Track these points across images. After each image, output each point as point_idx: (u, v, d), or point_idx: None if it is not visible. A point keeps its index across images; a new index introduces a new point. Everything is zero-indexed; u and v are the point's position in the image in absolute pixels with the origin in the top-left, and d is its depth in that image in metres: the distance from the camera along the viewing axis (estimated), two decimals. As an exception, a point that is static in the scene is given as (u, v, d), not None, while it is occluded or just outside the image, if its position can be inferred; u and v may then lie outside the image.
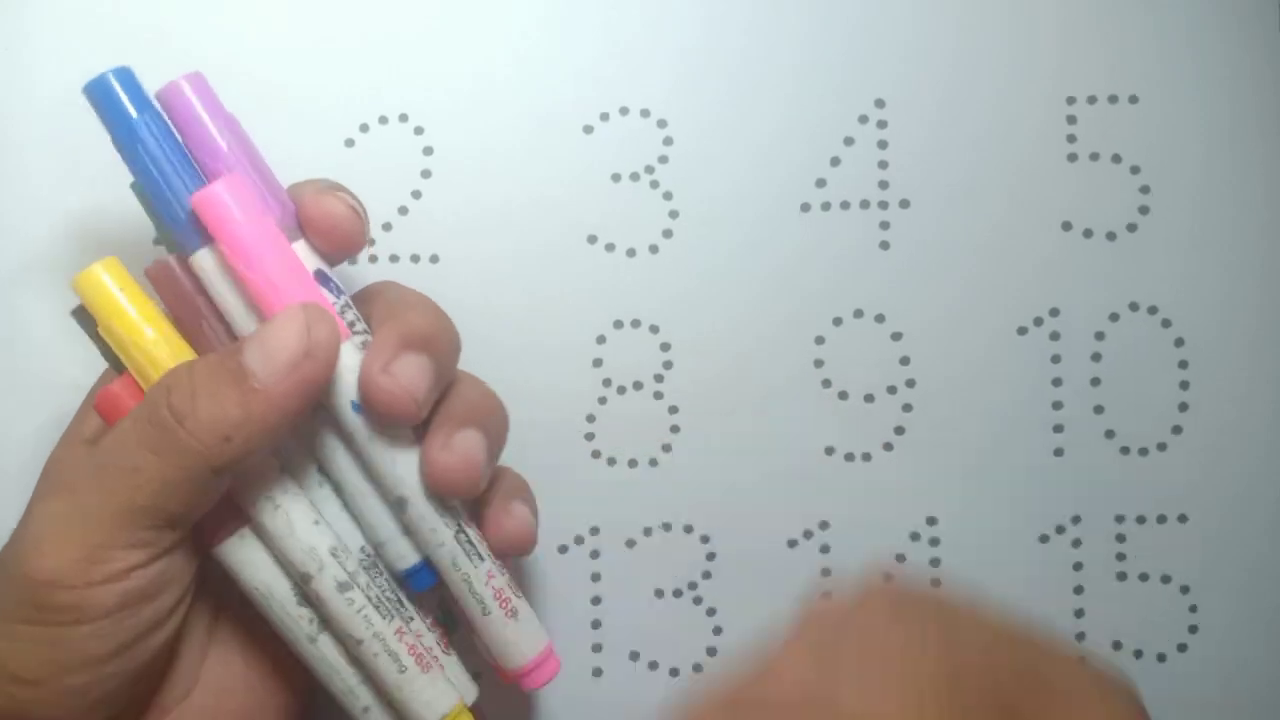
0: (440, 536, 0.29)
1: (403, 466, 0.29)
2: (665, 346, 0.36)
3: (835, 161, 0.36)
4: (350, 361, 0.28)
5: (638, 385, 0.36)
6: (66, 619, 0.26)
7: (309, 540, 0.28)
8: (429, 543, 0.29)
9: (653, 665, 0.36)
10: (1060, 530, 0.36)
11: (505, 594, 0.30)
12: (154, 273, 0.29)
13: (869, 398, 0.36)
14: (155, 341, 0.28)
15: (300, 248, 0.29)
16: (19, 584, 0.26)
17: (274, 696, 0.31)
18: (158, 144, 0.28)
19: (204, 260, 0.28)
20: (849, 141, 0.36)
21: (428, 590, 0.30)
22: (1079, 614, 0.36)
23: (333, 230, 0.29)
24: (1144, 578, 0.36)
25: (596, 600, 0.36)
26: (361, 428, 0.29)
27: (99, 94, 0.28)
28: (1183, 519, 0.36)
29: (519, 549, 0.31)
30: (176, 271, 0.29)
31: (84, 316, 0.29)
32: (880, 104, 0.36)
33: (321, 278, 0.29)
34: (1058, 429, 0.36)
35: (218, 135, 0.28)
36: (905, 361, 0.36)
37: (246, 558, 0.29)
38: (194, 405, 0.26)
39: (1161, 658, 0.36)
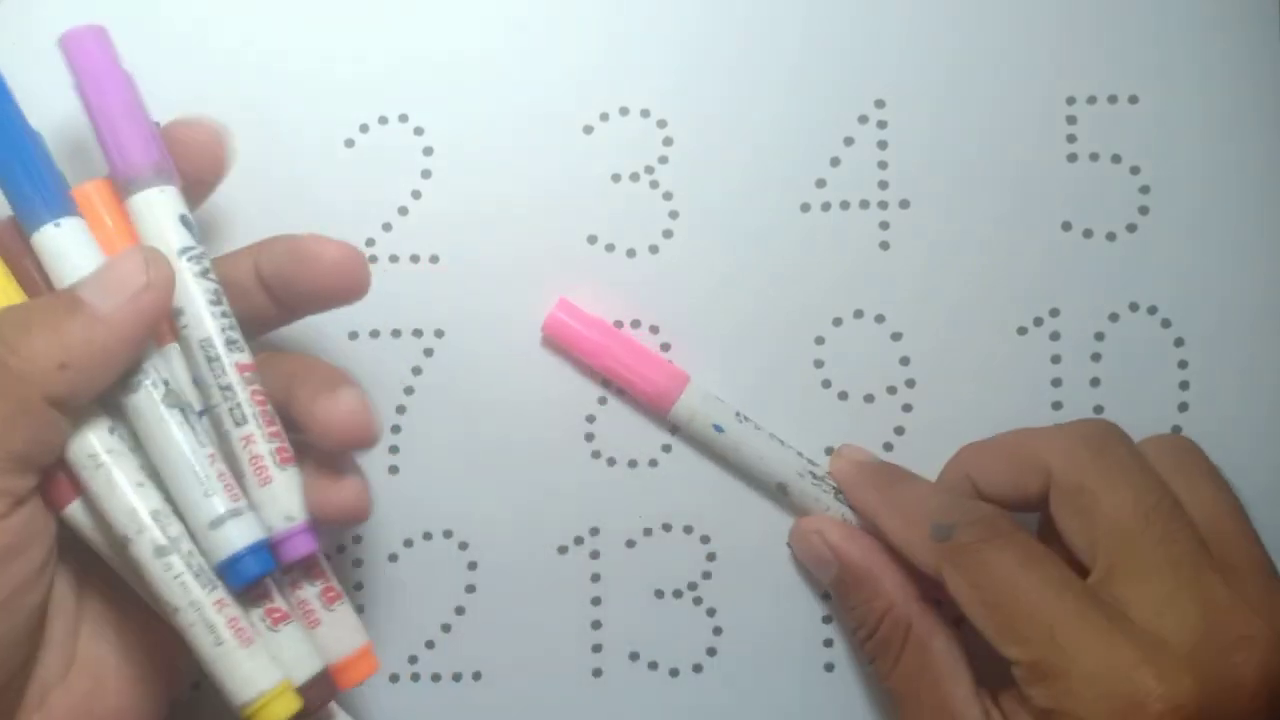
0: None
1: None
2: (665, 347, 0.36)
3: (835, 161, 0.36)
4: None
5: (638, 385, 0.36)
6: None
7: (129, 501, 0.27)
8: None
9: (653, 666, 0.36)
10: (1060, 530, 0.36)
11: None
12: None
13: (869, 398, 0.36)
14: None
15: (169, 193, 0.29)
16: None
17: (154, 674, 0.30)
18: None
19: (45, 238, 0.28)
20: (849, 141, 0.36)
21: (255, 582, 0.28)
22: (1079, 614, 0.36)
23: (192, 143, 0.30)
24: (1144, 578, 0.36)
25: (596, 601, 0.36)
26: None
27: None
28: (1183, 519, 0.36)
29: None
30: (10, 234, 0.29)
31: None
32: (880, 104, 0.36)
33: (185, 222, 0.29)
34: (1058, 429, 0.36)
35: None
36: (905, 362, 0.36)
37: (90, 521, 0.28)
38: (28, 334, 0.26)
39: (1162, 658, 0.36)
